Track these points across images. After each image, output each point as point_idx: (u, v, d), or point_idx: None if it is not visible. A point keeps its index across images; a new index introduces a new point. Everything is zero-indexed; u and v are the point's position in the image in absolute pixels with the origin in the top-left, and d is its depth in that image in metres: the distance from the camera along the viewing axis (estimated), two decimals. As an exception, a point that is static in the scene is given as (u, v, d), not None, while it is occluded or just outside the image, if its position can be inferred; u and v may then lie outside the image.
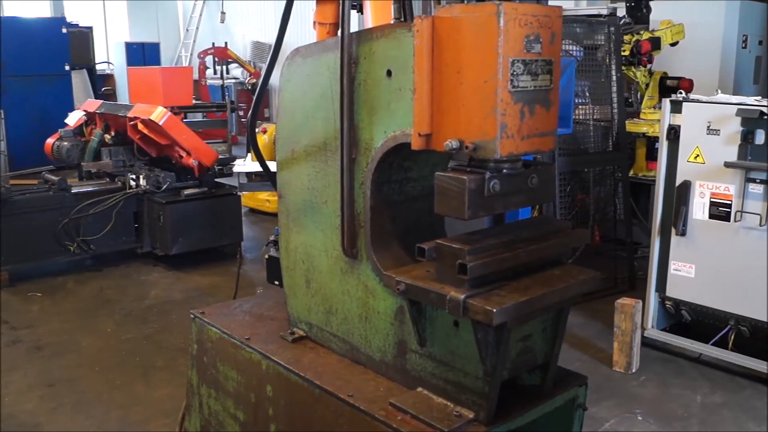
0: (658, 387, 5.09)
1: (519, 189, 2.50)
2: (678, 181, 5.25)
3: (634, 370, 5.29)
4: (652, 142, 7.31)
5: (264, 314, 3.61)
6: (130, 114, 7.80)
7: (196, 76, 16.06)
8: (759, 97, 5.06)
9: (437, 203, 2.43)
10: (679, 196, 5.24)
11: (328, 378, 2.90)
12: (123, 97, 17.34)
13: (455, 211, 2.37)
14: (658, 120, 6.23)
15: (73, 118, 8.95)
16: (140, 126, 7.69)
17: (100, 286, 7.37)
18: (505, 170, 2.43)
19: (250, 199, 10.25)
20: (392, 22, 3.14)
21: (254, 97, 3.41)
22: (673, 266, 5.35)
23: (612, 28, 7.05)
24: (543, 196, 2.65)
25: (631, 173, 7.39)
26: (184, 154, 7.73)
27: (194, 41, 20.71)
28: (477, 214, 2.38)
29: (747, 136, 4.84)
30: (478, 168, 2.42)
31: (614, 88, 7.01)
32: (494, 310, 2.20)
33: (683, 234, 5.24)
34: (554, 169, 2.67)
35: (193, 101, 10.44)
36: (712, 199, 5.07)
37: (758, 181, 4.85)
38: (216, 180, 8.17)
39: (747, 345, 5.11)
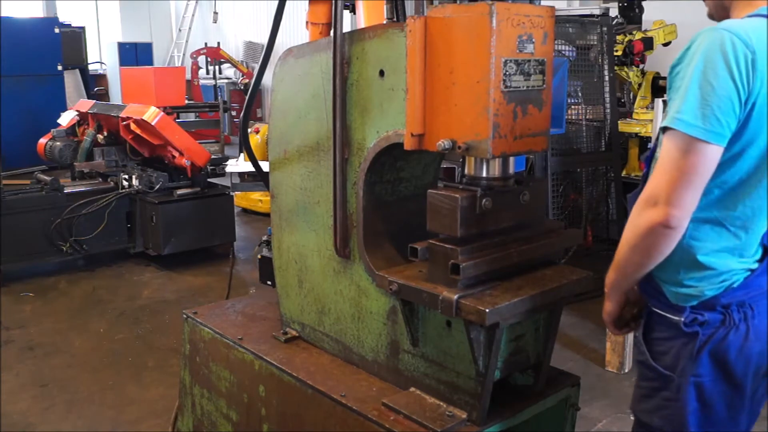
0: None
1: (511, 206, 2.53)
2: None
3: (626, 370, 5.30)
4: (644, 142, 7.32)
5: (256, 314, 3.60)
6: (122, 114, 7.78)
7: (188, 76, 16.03)
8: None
9: (429, 220, 2.44)
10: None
11: (320, 378, 2.90)
12: (115, 97, 17.34)
13: (447, 228, 2.39)
14: (651, 120, 6.25)
15: (66, 118, 8.92)
16: (133, 126, 7.67)
17: (93, 286, 7.35)
18: (497, 188, 2.45)
19: (243, 199, 10.24)
20: (385, 22, 3.15)
21: (247, 97, 3.41)
22: (666, 266, 5.35)
23: (604, 28, 7.07)
24: (535, 212, 2.66)
25: (623, 173, 7.40)
26: (176, 154, 7.71)
27: (187, 41, 20.69)
28: (469, 232, 2.39)
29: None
30: (470, 185, 2.44)
31: (607, 88, 7.02)
32: (487, 310, 2.20)
33: (675, 234, 5.23)
34: (546, 185, 2.69)
35: (186, 101, 10.43)
36: (704, 199, 5.07)
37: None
38: (208, 180, 8.15)
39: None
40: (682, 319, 2.22)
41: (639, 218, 2.11)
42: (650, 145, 5.93)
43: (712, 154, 2.02)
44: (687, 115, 2.00)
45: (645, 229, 2.09)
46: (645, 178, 2.34)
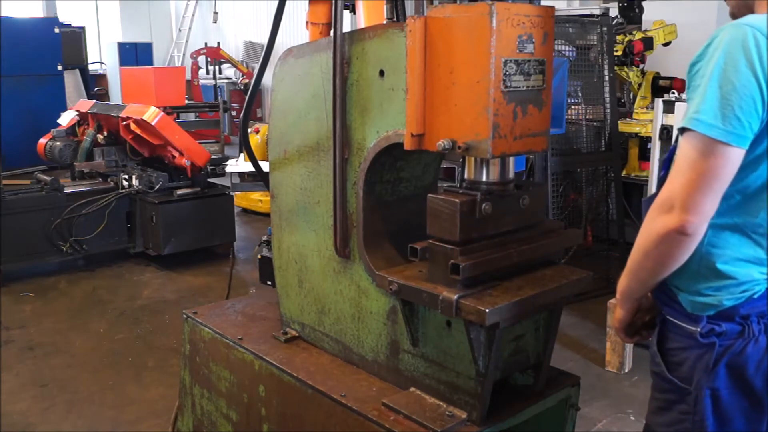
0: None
1: (511, 210, 2.53)
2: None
3: (626, 370, 5.30)
4: (644, 142, 7.32)
5: (256, 314, 3.60)
6: (122, 114, 7.78)
7: (188, 76, 16.03)
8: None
9: (429, 225, 2.44)
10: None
11: (320, 378, 2.90)
12: (115, 97, 17.33)
13: (447, 233, 2.38)
14: (651, 120, 6.24)
15: (66, 118, 8.92)
16: (133, 126, 7.67)
17: (93, 286, 7.35)
18: (496, 192, 2.46)
19: (243, 199, 10.24)
20: (385, 22, 3.14)
21: (247, 97, 3.41)
22: (666, 266, 5.34)
23: (604, 28, 7.06)
24: (534, 217, 2.66)
25: (623, 173, 7.39)
26: (176, 154, 7.71)
27: (187, 41, 20.68)
28: (469, 237, 2.39)
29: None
30: (470, 190, 2.44)
31: (607, 88, 7.02)
32: (487, 310, 2.20)
33: (675, 234, 5.22)
34: (546, 189, 2.68)
35: (186, 101, 10.43)
36: (704, 199, 5.05)
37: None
38: (208, 180, 8.15)
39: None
40: (699, 329, 2.13)
41: (653, 224, 2.02)
42: (649, 145, 5.93)
43: (733, 157, 1.92)
44: (706, 115, 1.91)
45: (659, 235, 2.01)
46: (662, 181, 2.28)
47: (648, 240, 2.06)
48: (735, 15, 2.27)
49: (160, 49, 20.55)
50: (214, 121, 12.22)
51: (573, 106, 7.02)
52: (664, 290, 2.24)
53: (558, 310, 2.68)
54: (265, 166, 3.43)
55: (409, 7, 3.04)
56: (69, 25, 16.12)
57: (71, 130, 8.70)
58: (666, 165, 2.29)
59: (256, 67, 11.38)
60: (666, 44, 8.23)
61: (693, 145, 1.94)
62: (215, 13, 19.66)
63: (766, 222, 2.09)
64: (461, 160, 2.55)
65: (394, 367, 2.80)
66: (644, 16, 8.20)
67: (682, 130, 1.98)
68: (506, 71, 2.25)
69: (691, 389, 2.17)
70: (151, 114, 7.51)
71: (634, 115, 7.68)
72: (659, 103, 5.37)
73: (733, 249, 2.10)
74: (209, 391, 3.48)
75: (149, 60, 17.94)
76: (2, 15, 13.14)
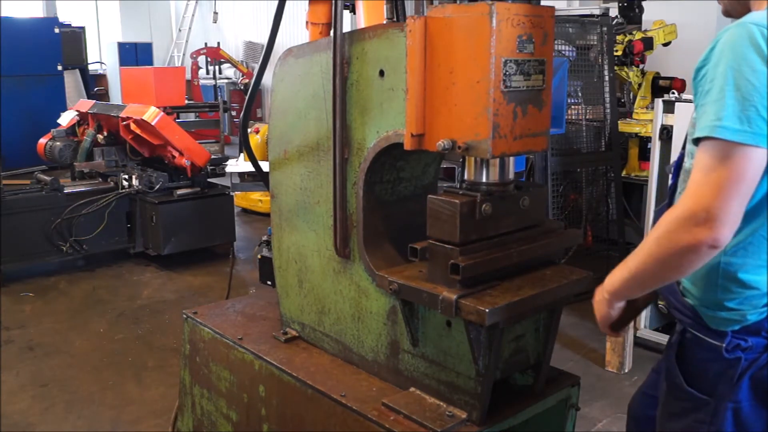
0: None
1: (511, 211, 2.53)
2: (670, 181, 5.24)
3: (626, 370, 5.30)
4: (644, 142, 7.32)
5: (256, 314, 3.60)
6: (122, 114, 7.78)
7: (188, 76, 16.04)
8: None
9: (429, 226, 2.44)
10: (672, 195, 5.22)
11: (320, 378, 2.90)
12: (115, 97, 17.35)
13: (447, 234, 2.38)
14: (651, 120, 6.24)
15: (66, 118, 8.93)
16: (133, 126, 7.67)
17: (93, 286, 7.35)
18: (496, 193, 2.46)
19: (243, 199, 10.25)
20: (385, 22, 3.14)
21: (247, 97, 3.41)
22: (665, 266, 5.33)
23: (604, 28, 7.06)
24: (535, 218, 2.66)
25: (623, 173, 7.40)
26: (176, 154, 7.71)
27: (187, 41, 20.69)
28: (469, 238, 2.39)
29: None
30: (470, 191, 2.44)
31: (607, 88, 7.02)
32: (487, 310, 2.20)
33: (675, 234, 5.21)
34: (546, 191, 2.67)
35: (186, 101, 10.43)
36: (704, 199, 5.05)
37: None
38: (208, 180, 8.15)
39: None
40: (724, 345, 2.06)
41: (678, 235, 1.87)
42: (649, 145, 5.93)
43: (761, 159, 1.82)
44: (729, 121, 1.80)
45: (686, 247, 1.87)
46: (673, 189, 2.21)
47: (669, 251, 1.92)
48: (729, 13, 2.23)
49: (160, 49, 20.56)
50: (214, 121, 12.22)
51: (573, 106, 7.03)
52: (684, 304, 2.18)
53: (558, 310, 2.68)
54: (265, 166, 3.43)
55: (409, 7, 3.05)
56: (69, 25, 16.13)
57: (71, 130, 8.70)
58: (675, 173, 2.24)
59: (256, 67, 11.38)
60: (666, 44, 8.23)
61: (715, 154, 1.83)
62: (215, 13, 19.67)
63: None
64: (461, 160, 2.55)
65: (394, 367, 2.80)
66: (644, 16, 8.20)
67: (701, 139, 1.87)
68: (506, 71, 2.25)
69: (711, 400, 2.12)
70: (151, 114, 7.51)
71: (634, 115, 7.68)
72: (659, 103, 5.36)
73: (753, 256, 2.04)
74: (209, 391, 3.48)
75: (149, 60, 17.95)
76: (2, 15, 13.14)
